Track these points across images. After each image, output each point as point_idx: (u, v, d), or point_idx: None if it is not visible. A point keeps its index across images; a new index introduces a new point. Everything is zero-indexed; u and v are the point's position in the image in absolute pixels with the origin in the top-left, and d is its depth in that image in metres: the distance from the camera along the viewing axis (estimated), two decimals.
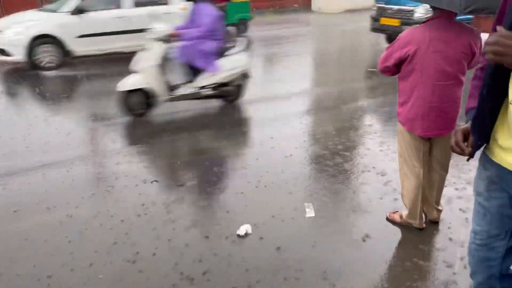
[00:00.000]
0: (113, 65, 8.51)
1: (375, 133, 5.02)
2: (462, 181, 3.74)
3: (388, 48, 2.78)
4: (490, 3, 2.40)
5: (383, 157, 4.34)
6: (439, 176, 2.98)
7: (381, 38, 10.53)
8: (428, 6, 7.80)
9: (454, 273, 2.67)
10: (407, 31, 2.72)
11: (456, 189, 3.62)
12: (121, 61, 7.17)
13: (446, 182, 3.11)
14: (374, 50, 10.34)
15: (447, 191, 3.34)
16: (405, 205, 3.08)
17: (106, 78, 7.66)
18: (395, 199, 3.48)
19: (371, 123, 5.44)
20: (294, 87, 7.13)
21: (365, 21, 11.18)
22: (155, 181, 3.89)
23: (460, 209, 3.34)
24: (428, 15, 7.98)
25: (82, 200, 3.57)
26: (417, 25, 2.72)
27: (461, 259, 2.77)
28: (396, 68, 2.78)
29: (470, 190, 3.61)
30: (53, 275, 2.68)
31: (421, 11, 8.61)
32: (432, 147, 2.92)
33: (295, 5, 20.42)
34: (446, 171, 3.01)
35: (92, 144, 4.92)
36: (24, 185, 3.85)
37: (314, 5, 19.94)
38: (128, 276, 2.68)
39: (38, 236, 3.09)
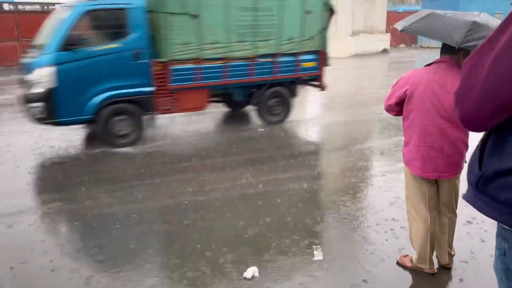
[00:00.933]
0: None
1: (382, 176, 5.00)
2: (475, 222, 3.68)
3: (393, 86, 2.86)
4: (427, 31, 2.61)
5: (392, 199, 4.30)
6: (448, 220, 2.93)
7: None
8: (43, 76, 5.41)
9: None
10: (409, 72, 2.80)
11: (468, 232, 3.56)
12: None
13: (459, 225, 3.05)
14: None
15: (460, 235, 3.27)
16: (414, 249, 3.02)
17: None
18: (406, 244, 3.41)
19: (379, 164, 5.43)
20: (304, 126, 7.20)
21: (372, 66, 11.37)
22: (163, 221, 3.87)
23: (471, 253, 3.26)
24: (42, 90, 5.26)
25: None
26: (422, 66, 2.80)
27: None
28: (399, 107, 2.83)
29: (483, 232, 3.54)
30: None
31: (40, 88, 5.61)
32: (438, 190, 2.90)
33: None
34: (455, 214, 2.96)
35: None
36: None
37: None
38: None
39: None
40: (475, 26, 2.46)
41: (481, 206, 1.37)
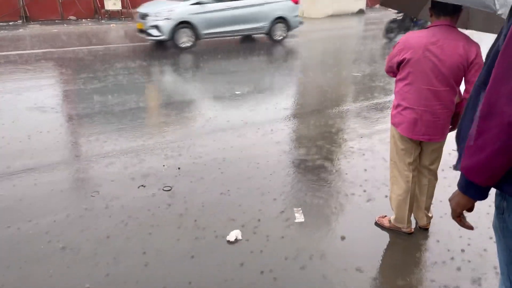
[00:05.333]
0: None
1: (361, 137, 5.06)
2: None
3: (393, 47, 2.83)
4: None
5: (371, 161, 4.38)
6: (428, 181, 3.01)
7: None
8: None
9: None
10: (407, 35, 2.76)
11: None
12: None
13: (439, 188, 3.13)
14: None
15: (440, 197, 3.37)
16: (392, 209, 3.11)
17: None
18: (384, 204, 3.51)
19: (356, 127, 5.48)
20: (279, 91, 7.15)
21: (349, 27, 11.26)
22: (142, 186, 3.83)
23: (445, 214, 3.38)
24: None
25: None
26: (418, 29, 2.75)
27: (444, 262, 2.81)
28: (399, 70, 2.83)
29: None
30: None
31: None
32: (421, 152, 2.95)
33: None
34: (435, 177, 3.04)
35: None
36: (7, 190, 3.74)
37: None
38: (113, 286, 2.62)
39: (17, 245, 2.99)
40: None
41: None
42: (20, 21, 15.48)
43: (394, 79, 2.92)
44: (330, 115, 5.93)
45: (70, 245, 2.98)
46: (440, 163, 3.02)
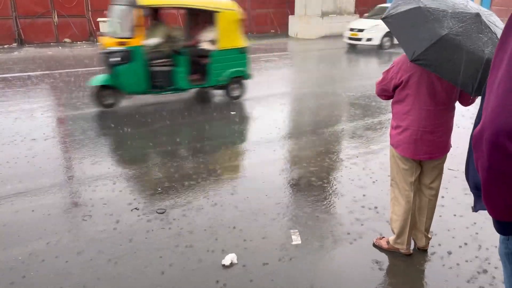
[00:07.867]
0: None
1: (357, 157, 5.03)
2: (459, 207, 3.76)
3: (384, 72, 2.82)
4: (441, 66, 2.41)
5: (368, 180, 4.34)
6: (428, 201, 2.97)
7: None
8: None
9: None
10: (400, 58, 2.75)
11: (455, 215, 3.62)
12: None
13: (440, 209, 3.09)
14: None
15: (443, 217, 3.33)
16: (393, 230, 3.05)
17: None
18: (381, 225, 3.45)
19: (352, 147, 5.46)
20: (276, 110, 7.15)
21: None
22: (136, 209, 3.75)
23: (452, 236, 3.33)
24: None
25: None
26: None
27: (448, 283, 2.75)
28: (393, 92, 2.82)
29: (466, 218, 3.62)
30: None
31: None
32: (421, 171, 2.92)
33: (272, 31, 20.77)
34: (436, 196, 3.00)
35: None
36: None
37: (291, 31, 20.33)
38: None
39: (7, 273, 2.90)
40: (440, 42, 2.34)
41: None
42: (15, 44, 15.53)
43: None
44: (325, 134, 5.92)
45: (61, 271, 2.89)
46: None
